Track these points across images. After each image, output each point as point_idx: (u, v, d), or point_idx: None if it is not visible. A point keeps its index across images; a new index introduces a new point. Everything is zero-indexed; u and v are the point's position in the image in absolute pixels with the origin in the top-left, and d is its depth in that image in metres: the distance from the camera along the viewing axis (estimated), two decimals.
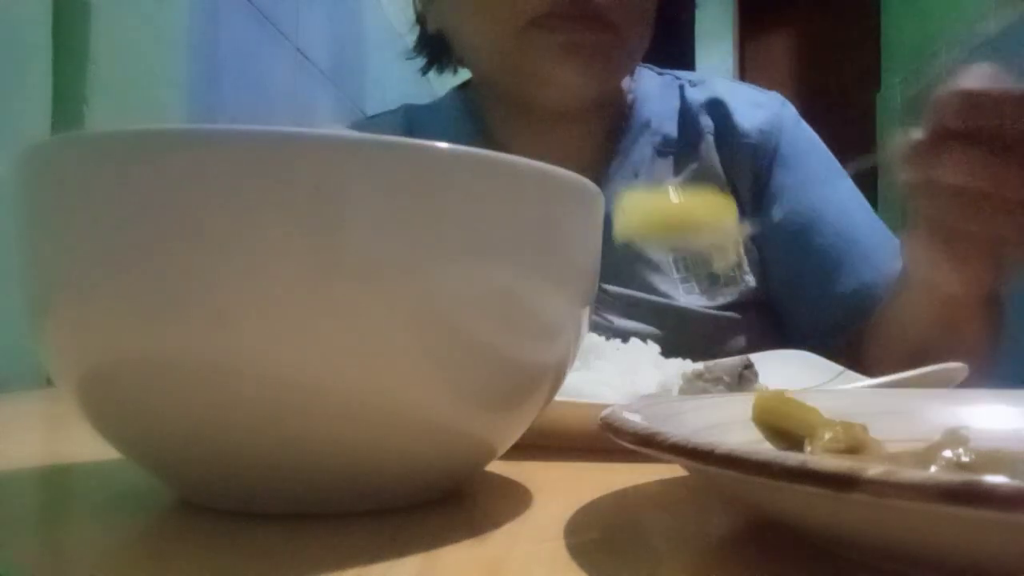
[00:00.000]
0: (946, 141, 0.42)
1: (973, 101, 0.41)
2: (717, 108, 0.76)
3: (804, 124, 0.77)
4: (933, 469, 0.23)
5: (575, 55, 0.66)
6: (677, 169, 0.75)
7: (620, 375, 0.44)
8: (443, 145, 0.21)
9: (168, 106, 0.87)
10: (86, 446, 0.31)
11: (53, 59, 0.71)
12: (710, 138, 0.75)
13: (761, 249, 0.73)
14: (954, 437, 0.25)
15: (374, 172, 0.20)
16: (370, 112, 1.39)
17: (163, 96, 0.87)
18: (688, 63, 3.51)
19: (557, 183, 0.23)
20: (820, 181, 0.73)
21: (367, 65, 1.55)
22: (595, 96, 0.71)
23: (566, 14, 0.65)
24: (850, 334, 0.69)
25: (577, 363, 0.42)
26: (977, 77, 0.42)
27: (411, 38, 0.85)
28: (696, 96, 0.77)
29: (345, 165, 0.20)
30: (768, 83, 0.84)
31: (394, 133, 0.82)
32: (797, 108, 0.79)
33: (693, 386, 0.43)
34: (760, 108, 0.76)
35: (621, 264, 0.71)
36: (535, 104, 0.71)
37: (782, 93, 0.80)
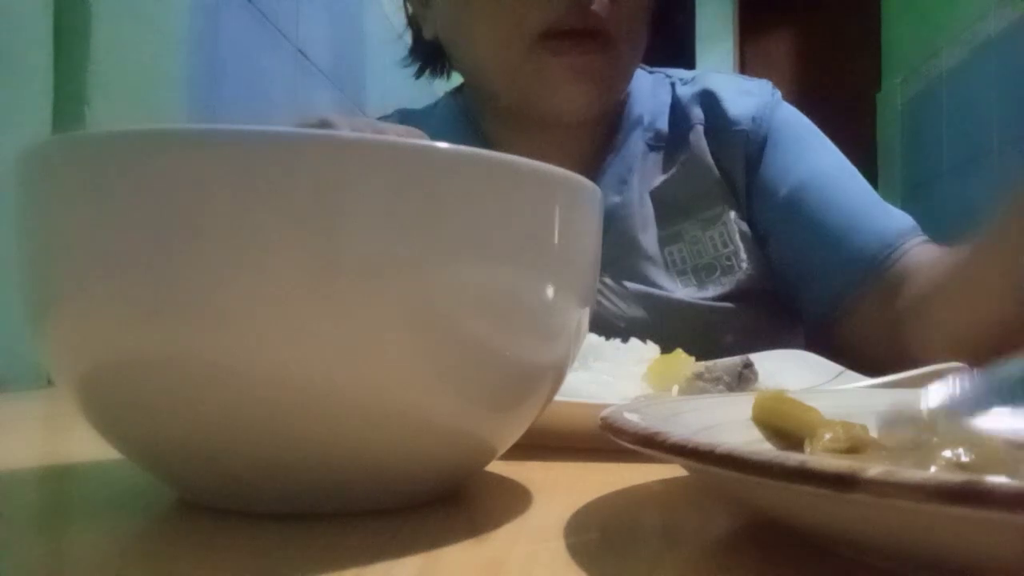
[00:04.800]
0: None
1: None
2: (707, 99, 0.77)
3: (792, 107, 0.78)
4: (933, 469, 0.23)
5: (581, 78, 0.68)
6: (667, 162, 0.76)
7: (619, 375, 0.44)
8: (443, 145, 0.21)
9: (168, 106, 0.87)
10: (86, 446, 0.31)
11: (53, 59, 0.71)
12: (700, 128, 0.76)
13: (759, 231, 0.74)
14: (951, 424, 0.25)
15: (374, 172, 0.20)
16: (370, 112, 1.39)
17: (163, 96, 0.87)
18: (688, 63, 3.51)
19: (557, 183, 0.23)
20: (815, 156, 0.74)
21: (367, 65, 1.55)
22: (597, 112, 0.73)
23: (571, 30, 0.66)
24: (847, 304, 0.68)
25: (577, 363, 0.42)
26: None
27: (406, 40, 0.85)
28: (687, 91, 0.79)
29: (345, 165, 0.20)
30: None
31: None
32: (797, 108, 0.79)
33: (693, 386, 0.43)
34: (750, 96, 0.77)
35: (615, 255, 0.72)
36: (535, 116, 0.72)
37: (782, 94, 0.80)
